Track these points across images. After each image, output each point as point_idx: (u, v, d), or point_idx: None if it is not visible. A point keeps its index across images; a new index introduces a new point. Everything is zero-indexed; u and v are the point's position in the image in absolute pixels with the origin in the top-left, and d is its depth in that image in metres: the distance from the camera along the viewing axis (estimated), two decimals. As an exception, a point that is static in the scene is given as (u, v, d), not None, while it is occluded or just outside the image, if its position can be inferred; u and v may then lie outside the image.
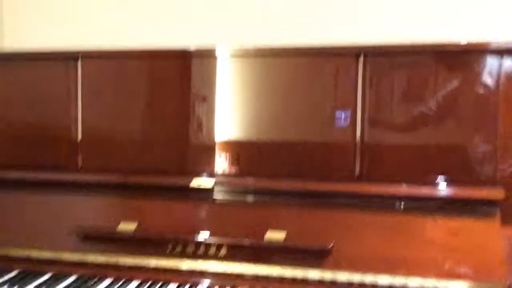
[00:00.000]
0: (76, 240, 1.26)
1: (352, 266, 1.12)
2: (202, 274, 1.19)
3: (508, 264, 1.08)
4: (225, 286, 1.16)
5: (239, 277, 1.17)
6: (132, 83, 1.40)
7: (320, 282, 1.14)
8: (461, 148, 1.20)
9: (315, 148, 1.29)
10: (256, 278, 1.17)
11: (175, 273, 1.20)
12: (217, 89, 1.34)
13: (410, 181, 1.19)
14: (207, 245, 1.19)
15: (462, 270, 1.08)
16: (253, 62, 1.32)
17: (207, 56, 1.34)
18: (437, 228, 1.13)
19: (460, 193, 1.15)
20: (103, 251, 1.25)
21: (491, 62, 1.18)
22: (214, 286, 1.17)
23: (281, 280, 1.15)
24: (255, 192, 1.27)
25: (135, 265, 1.23)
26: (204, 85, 1.35)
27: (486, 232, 1.11)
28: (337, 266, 1.13)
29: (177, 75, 1.38)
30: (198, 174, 1.30)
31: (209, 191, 1.28)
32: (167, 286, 1.18)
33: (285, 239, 1.16)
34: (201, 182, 1.26)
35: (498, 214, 1.12)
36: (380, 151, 1.25)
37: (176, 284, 1.18)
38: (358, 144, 1.26)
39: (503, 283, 1.05)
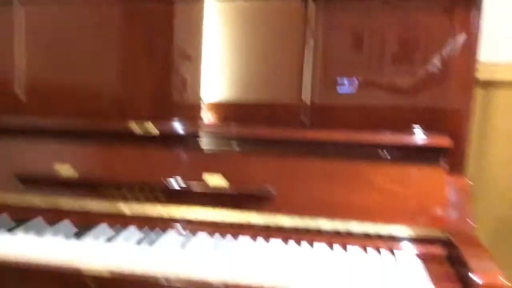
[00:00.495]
0: (16, 182, 1.22)
1: (295, 211, 1.10)
2: (141, 217, 1.16)
3: (450, 211, 1.07)
4: (163, 229, 1.13)
5: (179, 221, 1.14)
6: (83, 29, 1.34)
7: (265, 227, 1.11)
8: (407, 97, 1.17)
9: (265, 104, 1.24)
10: (197, 223, 1.14)
11: (114, 216, 1.16)
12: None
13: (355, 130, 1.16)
14: (144, 189, 1.15)
15: (404, 216, 1.06)
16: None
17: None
18: (380, 174, 1.09)
19: (405, 141, 1.12)
20: (43, 194, 1.21)
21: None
22: (153, 228, 1.14)
23: (224, 225, 1.13)
24: (209, 137, 1.21)
25: (74, 208, 1.19)
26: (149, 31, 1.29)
27: (429, 179, 1.08)
28: (280, 211, 1.10)
29: (130, 19, 1.32)
30: (142, 119, 1.24)
31: (157, 138, 1.23)
32: (102, 227, 1.15)
33: (226, 183, 1.12)
34: (144, 127, 1.21)
35: (443, 162, 1.09)
36: (329, 104, 1.21)
37: (111, 225, 1.15)
38: (307, 100, 1.22)
39: (442, 230, 1.04)
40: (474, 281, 0.82)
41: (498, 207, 1.55)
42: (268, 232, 1.10)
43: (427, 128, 1.15)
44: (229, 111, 1.26)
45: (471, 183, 1.50)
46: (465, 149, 1.16)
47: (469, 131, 1.17)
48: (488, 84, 1.46)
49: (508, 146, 1.51)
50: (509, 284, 0.81)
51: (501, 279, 0.82)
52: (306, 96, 1.21)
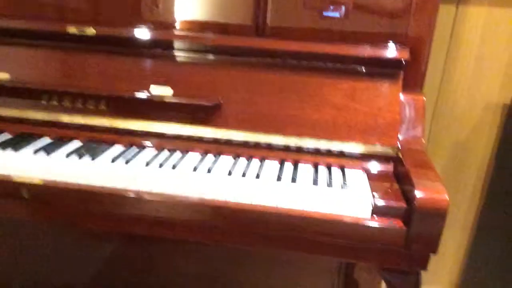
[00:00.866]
0: None
1: (246, 126, 1.05)
2: (86, 131, 1.10)
3: (403, 129, 1.05)
4: (109, 143, 1.08)
5: (126, 135, 1.08)
6: None
7: (216, 142, 1.07)
8: (367, 14, 1.09)
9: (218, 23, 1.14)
10: (145, 136, 1.09)
11: (57, 129, 1.10)
12: None
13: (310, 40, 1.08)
14: (85, 98, 1.08)
15: (357, 132, 1.03)
16: None
17: None
18: (335, 89, 1.05)
19: (361, 52, 1.05)
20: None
21: None
22: (99, 142, 1.08)
23: (174, 139, 1.08)
24: (158, 46, 1.12)
25: (14, 118, 1.11)
26: None
27: (385, 95, 1.05)
28: (231, 125, 1.05)
29: None
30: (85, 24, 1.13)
31: (102, 47, 1.13)
32: (41, 138, 1.08)
33: (172, 94, 1.06)
34: (82, 30, 1.09)
35: (400, 77, 1.05)
36: (286, 26, 1.12)
37: (52, 137, 1.09)
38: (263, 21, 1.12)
39: (393, 147, 1.02)
40: (416, 196, 0.81)
41: (457, 131, 1.56)
42: (219, 147, 1.07)
43: (383, 38, 1.09)
44: (184, 25, 1.16)
45: (434, 105, 1.50)
46: (425, 67, 1.12)
47: (429, 50, 1.12)
48: (459, 1, 1.39)
49: (473, 68, 1.49)
50: (448, 199, 0.81)
51: (445, 197, 0.81)
52: (263, 17, 1.12)
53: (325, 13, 1.10)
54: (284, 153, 1.06)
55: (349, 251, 0.89)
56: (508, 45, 1.44)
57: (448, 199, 0.81)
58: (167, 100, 1.06)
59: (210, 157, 1.05)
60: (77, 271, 1.53)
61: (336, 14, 1.10)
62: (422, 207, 0.81)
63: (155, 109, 1.07)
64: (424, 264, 0.87)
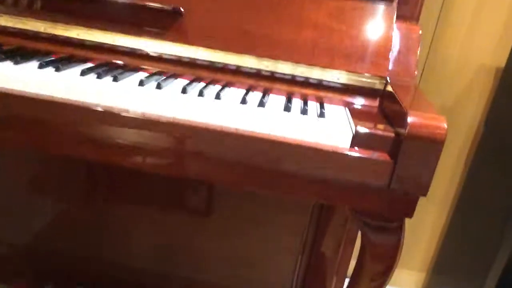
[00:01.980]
0: None
1: (211, 41, 0.88)
2: (11, 32, 0.90)
3: (394, 59, 0.89)
4: (35, 49, 0.89)
5: (58, 40, 0.90)
6: None
7: (175, 59, 0.89)
8: None
9: None
10: (84, 46, 0.90)
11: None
12: None
13: None
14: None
15: (341, 58, 0.87)
16: None
17: None
18: (318, 6, 0.88)
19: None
20: None
21: None
22: (25, 47, 0.89)
23: (118, 52, 0.90)
24: None
25: None
26: None
27: (376, 19, 0.89)
28: (192, 40, 0.88)
29: None
30: None
31: None
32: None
33: (126, -4, 0.88)
34: None
35: (395, 1, 0.90)
36: None
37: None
38: None
39: (382, 79, 0.87)
40: (408, 121, 0.66)
41: (446, 95, 1.44)
42: (177, 68, 0.89)
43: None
44: None
45: (422, 66, 1.37)
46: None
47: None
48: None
49: (467, 29, 1.36)
50: (446, 128, 0.66)
51: (443, 125, 0.66)
52: None
53: None
54: (254, 80, 0.89)
55: (324, 188, 0.73)
56: (506, 6, 1.32)
57: (446, 127, 0.66)
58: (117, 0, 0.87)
59: (163, 76, 0.87)
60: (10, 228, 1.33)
61: None
62: (415, 134, 0.66)
63: (103, 15, 0.88)
64: (410, 210, 0.72)
